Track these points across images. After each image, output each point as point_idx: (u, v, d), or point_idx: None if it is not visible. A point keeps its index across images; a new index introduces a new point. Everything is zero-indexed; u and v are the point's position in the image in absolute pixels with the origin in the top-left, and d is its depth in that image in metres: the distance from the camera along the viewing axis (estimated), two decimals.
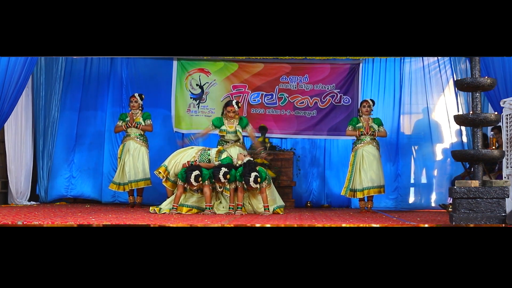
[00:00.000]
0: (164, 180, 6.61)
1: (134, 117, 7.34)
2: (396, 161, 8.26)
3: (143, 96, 7.50)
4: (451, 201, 5.93)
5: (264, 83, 8.54)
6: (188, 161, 6.41)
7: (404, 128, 8.36)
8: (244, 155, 6.51)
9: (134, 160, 7.26)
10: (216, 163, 6.41)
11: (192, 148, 6.77)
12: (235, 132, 6.84)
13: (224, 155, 6.49)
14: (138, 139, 7.32)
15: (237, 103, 6.96)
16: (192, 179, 6.09)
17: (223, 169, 6.16)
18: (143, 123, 7.33)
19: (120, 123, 7.42)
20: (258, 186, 6.17)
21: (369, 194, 6.93)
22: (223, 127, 6.84)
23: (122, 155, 7.34)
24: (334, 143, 8.52)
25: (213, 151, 6.56)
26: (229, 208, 6.27)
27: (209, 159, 6.50)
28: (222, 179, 6.16)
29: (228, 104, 6.96)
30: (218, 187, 6.32)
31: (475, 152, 4.65)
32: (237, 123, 6.87)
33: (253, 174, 6.09)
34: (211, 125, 6.99)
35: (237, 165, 6.37)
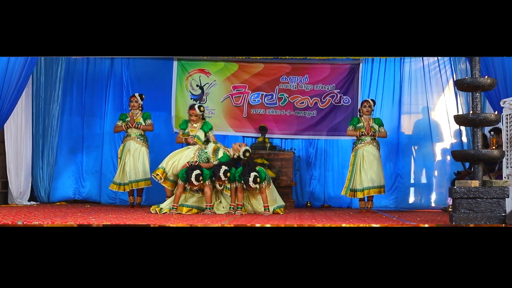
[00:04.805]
0: (162, 181, 6.60)
1: (135, 118, 7.34)
2: (396, 161, 8.26)
3: (143, 96, 7.49)
4: (450, 203, 5.94)
5: (264, 83, 8.54)
6: (188, 162, 6.43)
7: (404, 128, 8.35)
8: (239, 145, 6.49)
9: (135, 160, 7.25)
10: (215, 162, 6.44)
11: (188, 148, 6.78)
12: (196, 136, 6.79)
13: (220, 153, 6.52)
14: (138, 139, 7.32)
15: (199, 106, 6.91)
16: (193, 178, 6.10)
17: (224, 167, 6.17)
18: (143, 123, 7.33)
19: (119, 123, 7.41)
20: (257, 186, 6.18)
21: (369, 194, 6.93)
22: (186, 130, 6.87)
23: (122, 155, 7.33)
24: (334, 143, 8.51)
25: (209, 149, 6.60)
26: (229, 208, 6.28)
27: (207, 157, 6.53)
28: (223, 177, 6.17)
29: (190, 107, 6.95)
30: (218, 186, 6.33)
31: (475, 152, 4.65)
32: (200, 127, 6.84)
33: (252, 174, 6.09)
34: (180, 130, 6.99)
35: (235, 156, 6.36)
